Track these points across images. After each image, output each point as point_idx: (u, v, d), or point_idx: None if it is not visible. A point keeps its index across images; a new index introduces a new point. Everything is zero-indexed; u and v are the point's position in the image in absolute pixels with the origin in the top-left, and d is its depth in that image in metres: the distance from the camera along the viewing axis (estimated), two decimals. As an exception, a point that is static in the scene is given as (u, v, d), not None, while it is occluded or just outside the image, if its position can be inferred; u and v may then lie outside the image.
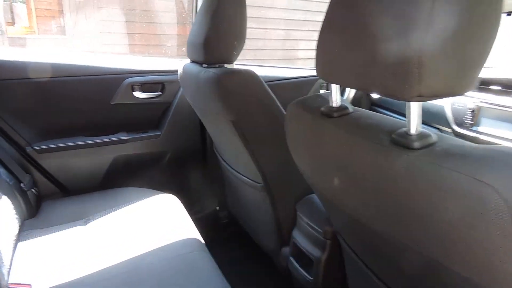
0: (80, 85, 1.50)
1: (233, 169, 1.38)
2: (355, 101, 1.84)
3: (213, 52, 1.12)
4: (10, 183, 1.30)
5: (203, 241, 1.17)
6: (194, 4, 1.62)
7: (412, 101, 0.50)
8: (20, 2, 3.16)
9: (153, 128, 1.68)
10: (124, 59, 1.67)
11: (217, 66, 1.16)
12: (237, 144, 1.14)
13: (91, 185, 1.59)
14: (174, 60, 1.71)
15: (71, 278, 0.98)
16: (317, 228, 1.07)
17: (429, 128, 1.14)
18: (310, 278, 1.09)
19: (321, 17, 0.61)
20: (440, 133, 0.58)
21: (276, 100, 1.10)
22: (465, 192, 0.43)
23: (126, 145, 1.60)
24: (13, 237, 1.13)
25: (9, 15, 3.07)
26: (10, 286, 0.95)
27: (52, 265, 1.04)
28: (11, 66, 1.41)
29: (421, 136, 0.51)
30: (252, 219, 1.47)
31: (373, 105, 1.86)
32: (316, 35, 0.62)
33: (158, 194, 1.42)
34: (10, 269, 1.02)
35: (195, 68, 1.20)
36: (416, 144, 0.50)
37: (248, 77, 1.06)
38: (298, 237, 1.15)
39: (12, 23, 3.10)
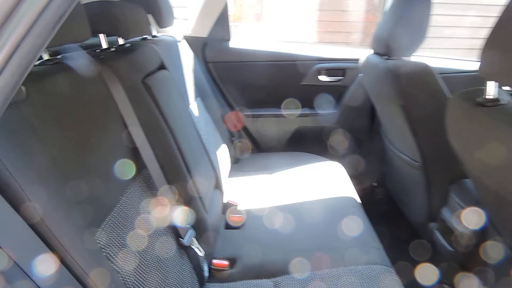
0: (279, 68, 1.93)
1: (395, 148, 1.58)
2: None
3: (394, 47, 1.32)
4: (227, 135, 1.84)
5: (359, 201, 1.44)
6: (382, 3, 1.82)
7: None
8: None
9: (331, 106, 2.00)
10: (315, 48, 2.02)
11: (395, 58, 1.36)
12: (403, 126, 1.33)
13: (277, 146, 2.04)
14: (356, 50, 1.97)
15: (263, 205, 1.42)
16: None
17: None
18: (451, 249, 1.23)
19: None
20: None
21: (446, 90, 1.24)
22: None
23: (307, 119, 1.98)
24: (227, 173, 1.64)
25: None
26: (227, 202, 1.44)
27: (250, 195, 1.50)
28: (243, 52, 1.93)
29: None
30: (406, 195, 1.64)
31: None
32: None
33: (327, 160, 1.75)
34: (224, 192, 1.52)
35: (377, 59, 1.42)
36: None
37: (421, 68, 1.24)
38: (447, 214, 1.29)
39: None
